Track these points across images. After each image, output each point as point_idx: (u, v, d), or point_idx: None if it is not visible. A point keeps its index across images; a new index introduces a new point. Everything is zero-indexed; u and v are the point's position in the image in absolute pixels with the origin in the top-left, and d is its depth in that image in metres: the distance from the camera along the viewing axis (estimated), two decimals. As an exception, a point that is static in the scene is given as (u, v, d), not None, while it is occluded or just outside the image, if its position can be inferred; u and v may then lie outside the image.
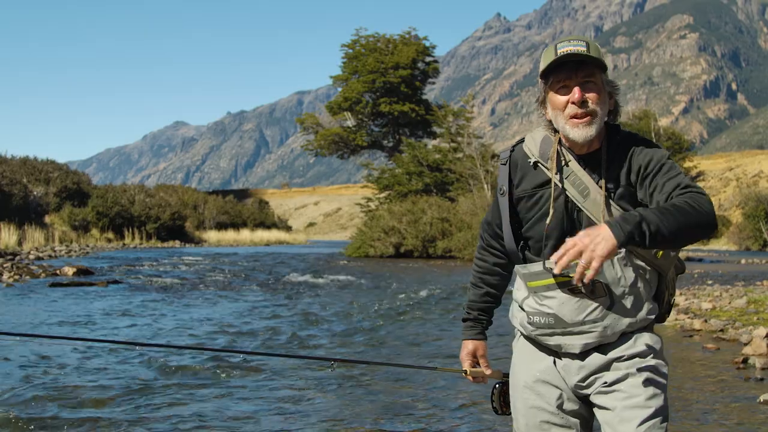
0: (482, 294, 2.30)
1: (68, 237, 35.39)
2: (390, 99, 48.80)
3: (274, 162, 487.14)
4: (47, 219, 37.38)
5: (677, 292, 12.26)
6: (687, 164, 39.75)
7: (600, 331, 2.03)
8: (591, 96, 1.99)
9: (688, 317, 9.11)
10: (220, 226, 56.91)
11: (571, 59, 1.98)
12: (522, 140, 2.19)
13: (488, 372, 2.33)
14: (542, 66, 2.02)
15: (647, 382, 1.99)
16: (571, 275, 2.02)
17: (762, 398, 4.81)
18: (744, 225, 44.45)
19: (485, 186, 31.00)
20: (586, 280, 1.74)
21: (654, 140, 2.17)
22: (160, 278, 16.28)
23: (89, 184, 47.36)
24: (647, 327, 2.09)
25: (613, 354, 2.04)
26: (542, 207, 2.08)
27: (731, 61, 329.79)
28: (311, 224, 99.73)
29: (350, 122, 49.95)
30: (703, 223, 1.81)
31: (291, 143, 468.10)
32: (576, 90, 1.98)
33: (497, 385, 2.35)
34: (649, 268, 2.04)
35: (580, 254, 1.73)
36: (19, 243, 27.75)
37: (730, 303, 10.22)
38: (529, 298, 2.13)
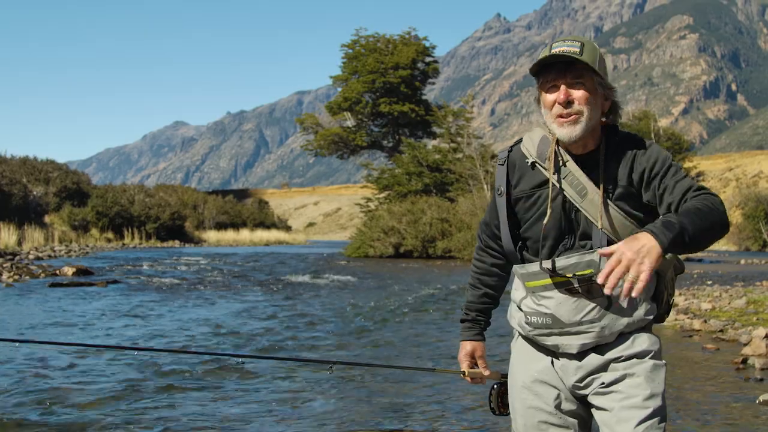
0: (480, 295, 2.30)
1: (68, 237, 35.39)
2: (390, 99, 48.80)
3: (273, 162, 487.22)
4: (47, 219, 37.40)
5: (677, 292, 12.25)
6: (687, 165, 39.77)
7: (597, 331, 2.02)
8: (578, 96, 1.99)
9: (688, 317, 9.11)
10: (220, 226, 56.91)
11: (560, 60, 1.99)
12: (520, 141, 2.20)
13: (486, 373, 2.33)
14: (531, 64, 2.03)
15: (645, 383, 1.99)
16: (567, 275, 2.02)
17: (761, 398, 4.81)
18: (744, 225, 44.45)
19: (485, 186, 30.99)
20: (635, 294, 1.71)
21: (654, 141, 2.17)
22: (159, 278, 16.28)
23: (89, 184, 47.40)
24: (645, 327, 2.09)
25: (610, 354, 2.04)
26: (540, 207, 2.08)
27: (731, 62, 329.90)
28: (311, 224, 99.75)
29: (350, 122, 49.95)
30: (723, 223, 1.86)
31: (291, 143, 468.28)
32: (562, 90, 1.99)
33: (495, 386, 2.35)
34: (647, 268, 2.04)
35: (627, 269, 1.72)
36: (19, 243, 27.75)
37: (729, 303, 10.22)
38: (527, 299, 2.13)
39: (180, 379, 5.62)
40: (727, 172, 73.65)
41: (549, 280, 2.04)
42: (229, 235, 53.79)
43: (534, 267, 2.07)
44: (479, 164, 32.67)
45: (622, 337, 2.05)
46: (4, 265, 17.20)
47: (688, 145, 45.48)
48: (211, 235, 52.48)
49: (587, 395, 2.07)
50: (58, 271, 16.52)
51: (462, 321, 2.35)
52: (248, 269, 21.21)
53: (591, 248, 2.01)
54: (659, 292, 2.10)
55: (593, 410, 2.07)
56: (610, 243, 2.00)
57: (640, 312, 2.05)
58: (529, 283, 2.10)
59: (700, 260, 29.15)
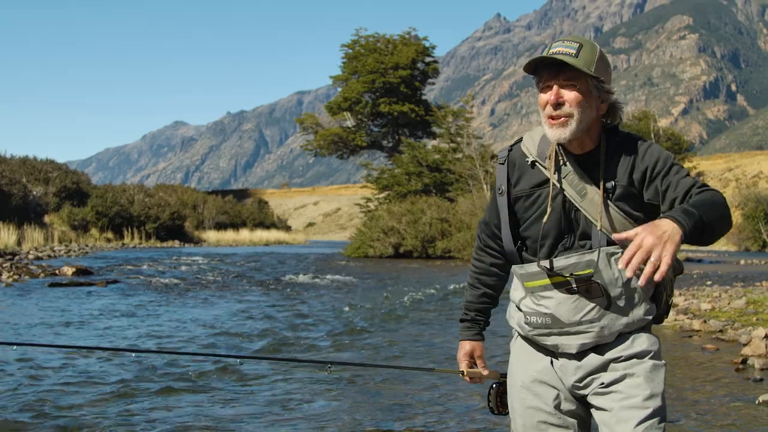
0: (479, 295, 2.30)
1: (67, 237, 35.38)
2: (389, 99, 48.77)
3: (273, 162, 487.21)
4: (46, 219, 37.37)
5: (676, 292, 12.25)
6: (686, 165, 39.66)
7: (597, 331, 2.02)
8: (569, 98, 1.99)
9: (688, 318, 9.10)
10: (220, 226, 56.88)
11: (552, 61, 1.99)
12: (520, 140, 2.20)
13: (485, 372, 2.33)
14: (524, 63, 2.03)
15: (645, 383, 1.99)
16: (565, 276, 2.01)
17: (761, 399, 4.81)
18: (743, 226, 44.42)
19: (484, 186, 30.99)
20: (658, 277, 1.69)
21: (653, 141, 2.17)
22: (158, 278, 16.28)
23: (88, 184, 47.37)
24: (645, 327, 2.09)
25: (610, 354, 2.04)
26: (540, 206, 2.08)
27: (731, 62, 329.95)
28: (311, 224, 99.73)
29: (350, 122, 49.92)
30: (730, 218, 1.89)
31: (290, 143, 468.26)
32: (553, 91, 2.00)
33: (494, 385, 2.35)
34: (647, 268, 2.04)
35: (649, 253, 1.70)
36: (19, 243, 27.75)
37: (729, 304, 10.22)
38: (526, 299, 2.13)
39: (177, 381, 5.58)
40: (726, 173, 73.68)
41: (548, 280, 2.04)
42: (229, 235, 53.76)
43: (533, 267, 2.07)
44: (479, 164, 32.67)
45: (622, 337, 2.05)
46: (4, 265, 17.20)
47: (688, 146, 45.44)
48: (211, 235, 52.46)
49: (586, 395, 2.07)
50: (57, 271, 16.51)
51: (461, 321, 2.35)
52: (248, 269, 21.21)
53: (590, 248, 2.01)
54: (659, 292, 2.10)
55: (592, 410, 2.07)
56: (609, 243, 2.00)
57: (639, 312, 2.04)
58: (528, 283, 2.10)
59: (699, 260, 29.15)
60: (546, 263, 2.04)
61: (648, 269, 1.70)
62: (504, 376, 2.33)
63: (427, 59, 50.85)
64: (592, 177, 2.03)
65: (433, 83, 53.57)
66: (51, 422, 4.37)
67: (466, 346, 2.32)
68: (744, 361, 6.23)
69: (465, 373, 2.32)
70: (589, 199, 2.02)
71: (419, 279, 17.77)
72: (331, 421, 4.52)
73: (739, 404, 4.82)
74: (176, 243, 44.87)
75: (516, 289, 2.19)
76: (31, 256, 22.92)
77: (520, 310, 2.17)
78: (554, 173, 2.06)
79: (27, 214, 34.31)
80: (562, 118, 1.99)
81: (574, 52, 1.97)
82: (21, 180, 37.93)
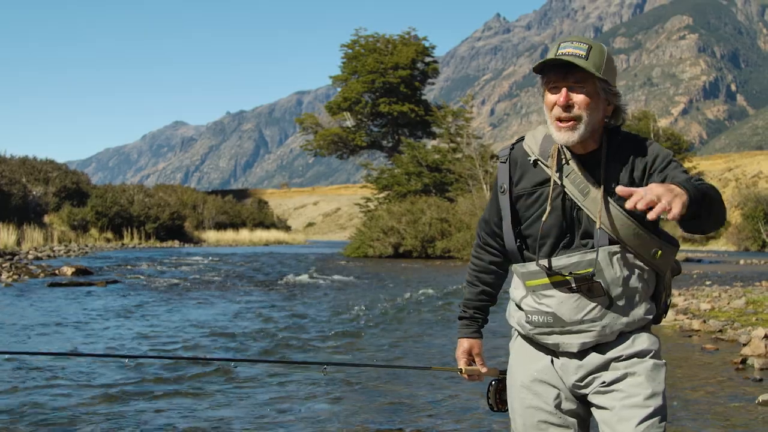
0: (478, 292, 2.30)
1: (67, 237, 35.39)
2: (389, 99, 48.76)
3: (273, 162, 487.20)
4: (46, 219, 37.37)
5: (676, 292, 12.25)
6: (686, 165, 39.79)
7: (598, 330, 2.02)
8: (578, 101, 1.98)
9: (687, 318, 9.09)
10: (219, 226, 56.90)
11: (563, 62, 1.98)
12: (522, 138, 2.20)
13: (484, 370, 2.33)
14: (535, 63, 2.02)
15: (646, 382, 1.99)
16: (565, 275, 2.01)
17: (760, 399, 4.80)
18: (743, 225, 44.43)
19: (484, 186, 31.00)
20: (671, 217, 1.66)
21: (654, 140, 2.17)
22: (158, 278, 16.28)
23: (88, 184, 47.36)
24: (645, 327, 2.09)
25: (611, 354, 2.04)
26: (541, 205, 2.08)
27: (731, 62, 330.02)
28: (310, 224, 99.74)
29: (349, 122, 49.90)
30: (724, 209, 1.88)
31: (290, 143, 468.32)
32: (562, 93, 1.99)
33: (493, 382, 2.35)
34: (647, 268, 2.05)
35: (659, 198, 1.67)
36: (18, 243, 27.75)
37: (728, 303, 10.21)
38: (527, 297, 2.12)
39: (171, 383, 5.52)
40: (726, 173, 73.67)
41: (548, 279, 2.04)
42: (229, 235, 53.78)
43: (533, 266, 2.07)
44: (479, 164, 32.68)
45: (623, 336, 2.05)
46: (4, 265, 17.20)
47: (688, 146, 45.53)
48: (211, 235, 52.47)
49: (587, 394, 2.07)
50: (57, 271, 16.51)
51: (460, 318, 2.35)
52: (247, 269, 21.20)
53: (592, 247, 2.01)
54: (658, 292, 2.11)
55: (593, 409, 2.07)
56: (611, 242, 2.00)
57: (640, 311, 2.05)
58: (529, 282, 2.10)
59: (699, 260, 29.15)
60: (545, 262, 2.04)
61: (659, 206, 1.66)
62: (503, 372, 2.33)
63: (427, 59, 50.83)
64: (594, 176, 2.03)
65: (433, 83, 53.55)
66: (41, 425, 4.32)
67: (464, 344, 2.32)
68: (743, 361, 6.23)
69: (463, 371, 2.32)
70: (591, 198, 2.01)
71: (419, 279, 17.77)
72: (327, 422, 4.49)
73: (739, 404, 4.82)
74: (176, 243, 44.88)
75: (516, 288, 2.19)
76: (30, 256, 22.92)
77: (520, 308, 2.16)
78: (556, 172, 2.05)
79: (27, 214, 34.31)
80: (571, 122, 1.98)
81: (584, 53, 1.97)
82: (21, 180, 37.92)
